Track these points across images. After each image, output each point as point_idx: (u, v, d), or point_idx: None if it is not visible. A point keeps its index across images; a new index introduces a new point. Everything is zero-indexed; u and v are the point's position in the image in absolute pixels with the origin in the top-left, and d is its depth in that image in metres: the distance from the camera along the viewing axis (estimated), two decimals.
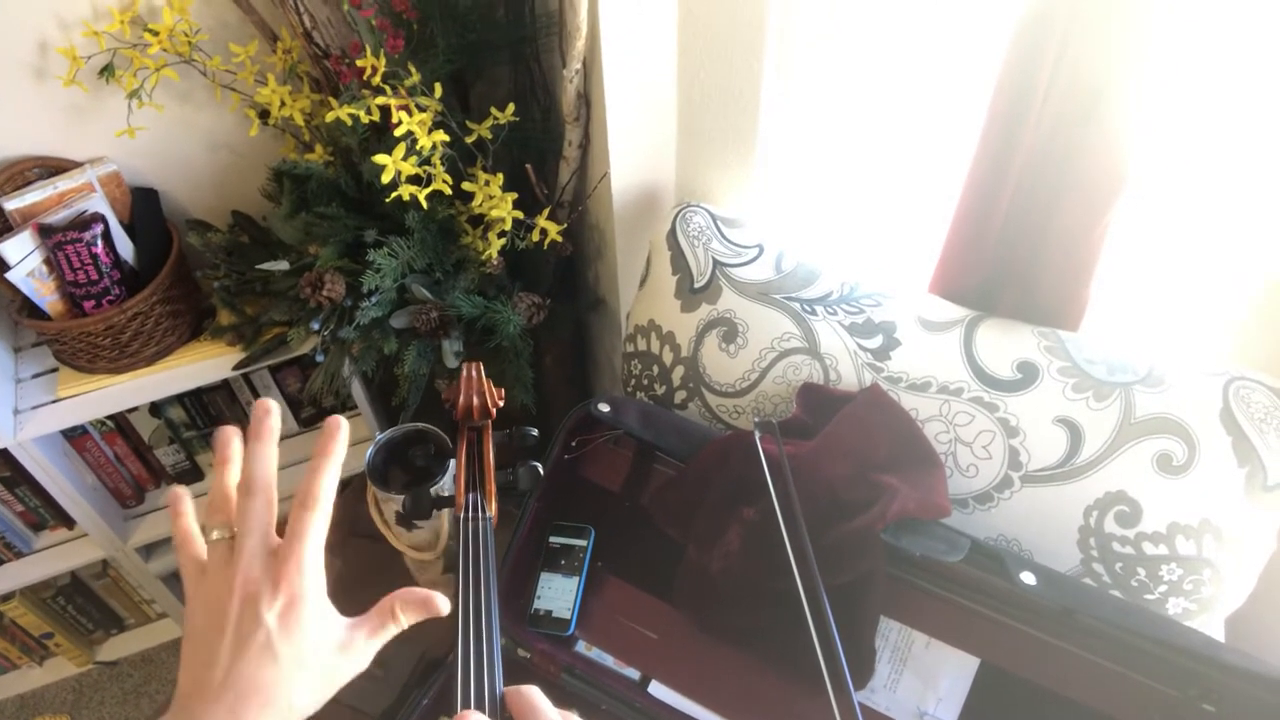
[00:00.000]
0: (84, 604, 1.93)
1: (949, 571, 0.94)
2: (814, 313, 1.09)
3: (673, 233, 1.19)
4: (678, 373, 1.18)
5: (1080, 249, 0.98)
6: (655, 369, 1.21)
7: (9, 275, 1.37)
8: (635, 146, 1.27)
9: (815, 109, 1.19)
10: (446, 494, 0.80)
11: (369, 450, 1.15)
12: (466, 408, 0.81)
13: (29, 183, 1.43)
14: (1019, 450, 0.98)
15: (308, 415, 1.86)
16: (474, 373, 0.82)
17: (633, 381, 1.26)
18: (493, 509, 0.74)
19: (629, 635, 1.04)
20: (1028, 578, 0.90)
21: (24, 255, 1.38)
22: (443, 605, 0.59)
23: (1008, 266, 1.05)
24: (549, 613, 1.06)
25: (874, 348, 1.06)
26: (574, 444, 1.13)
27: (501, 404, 0.82)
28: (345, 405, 1.86)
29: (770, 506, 0.94)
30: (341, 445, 0.59)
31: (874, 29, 1.09)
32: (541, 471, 0.79)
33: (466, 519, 0.72)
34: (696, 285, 1.16)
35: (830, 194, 1.27)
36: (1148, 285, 1.07)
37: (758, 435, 1.00)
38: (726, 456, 1.03)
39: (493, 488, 0.75)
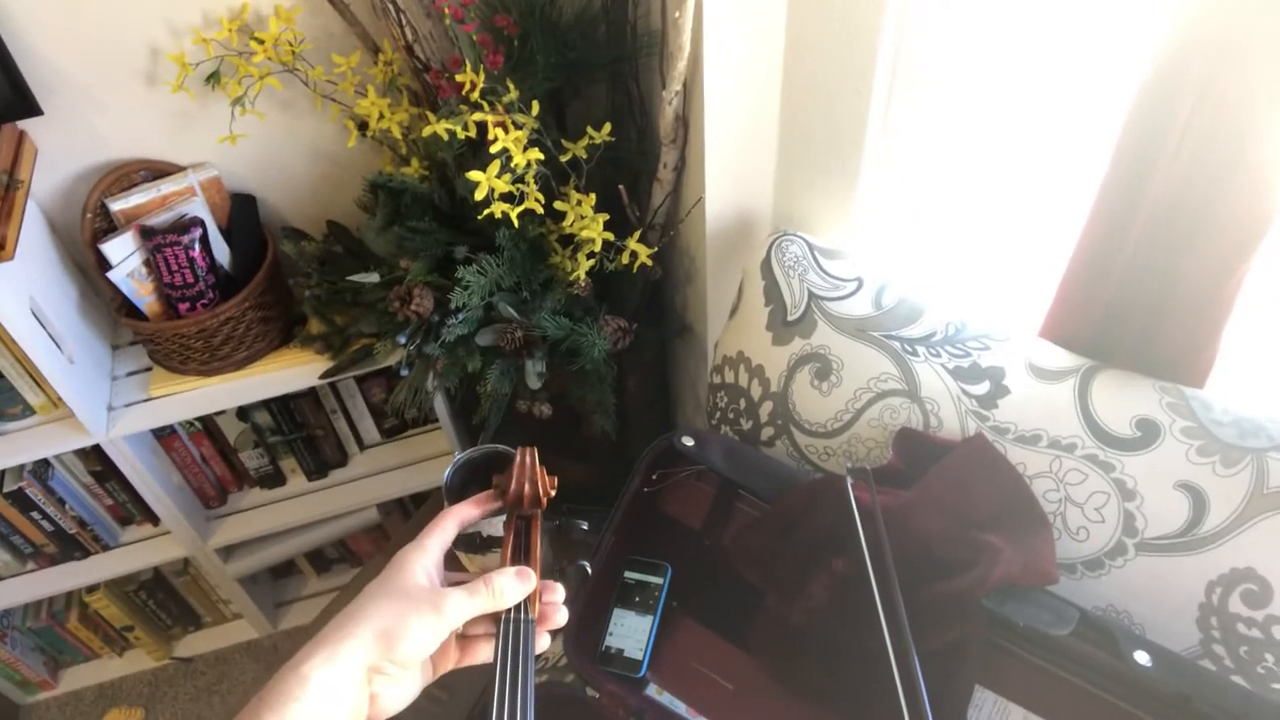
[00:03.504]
0: (164, 599, 1.96)
1: (1053, 643, 0.87)
2: (915, 353, 1.03)
3: (767, 261, 1.15)
4: (766, 408, 1.14)
5: (1212, 298, 0.90)
6: (742, 403, 1.17)
7: (110, 275, 1.40)
8: (732, 171, 1.23)
9: (924, 137, 1.13)
10: (498, 534, 0.76)
11: (447, 470, 1.12)
12: (517, 496, 0.74)
13: (134, 185, 1.47)
14: (1135, 515, 0.91)
15: (390, 426, 1.86)
16: (529, 458, 0.76)
17: (718, 414, 1.21)
18: (536, 610, 0.68)
19: (703, 683, 0.99)
20: (1142, 657, 0.82)
21: (125, 256, 1.41)
22: (531, 581, 0.68)
23: (1129, 313, 0.97)
24: (620, 651, 1.02)
25: (980, 394, 0.99)
26: (654, 477, 1.10)
27: (553, 493, 0.76)
28: (427, 419, 1.87)
29: (860, 559, 0.89)
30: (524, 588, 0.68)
31: (992, 58, 1.03)
32: (590, 571, 0.74)
33: (508, 619, 0.67)
34: (790, 318, 1.11)
35: (937, 227, 1.21)
36: None
37: (849, 481, 0.95)
38: (815, 501, 0.97)
39: (539, 588, 0.70)
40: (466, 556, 1.13)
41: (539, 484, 0.74)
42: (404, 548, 0.68)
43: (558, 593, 0.71)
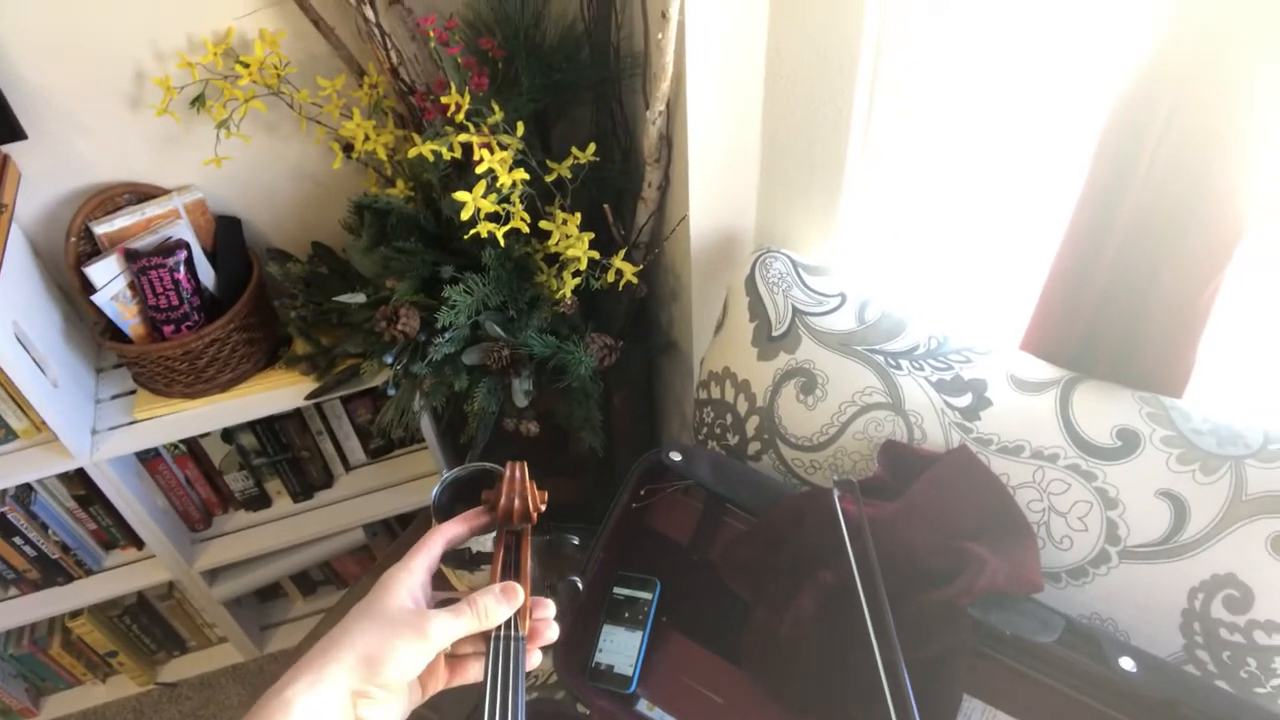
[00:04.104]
0: (148, 624, 1.94)
1: (1039, 651, 0.88)
2: (899, 367, 1.04)
3: (751, 278, 1.16)
4: (752, 423, 1.15)
5: (1188, 310, 0.92)
6: (729, 418, 1.18)
7: (95, 298, 1.40)
8: (716, 190, 1.24)
9: (905, 154, 1.15)
10: (487, 550, 0.76)
11: (435, 488, 1.13)
12: (506, 510, 0.73)
13: (119, 208, 1.47)
14: (1117, 523, 0.92)
15: (376, 446, 1.86)
16: (518, 473, 0.75)
17: (704, 430, 1.22)
18: (526, 628, 0.68)
19: (693, 697, 1.00)
20: (1127, 663, 0.83)
21: (110, 279, 1.41)
22: (518, 598, 0.67)
23: (1108, 326, 0.99)
24: (610, 667, 1.02)
25: (963, 406, 1.00)
26: (642, 492, 1.10)
27: (544, 508, 0.75)
28: (413, 439, 1.86)
29: (848, 570, 0.90)
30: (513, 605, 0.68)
31: (970, 77, 1.05)
32: (581, 587, 0.74)
33: (497, 636, 0.66)
34: (775, 333, 1.13)
35: (918, 244, 1.22)
36: (1261, 350, 1.00)
37: (836, 494, 0.96)
38: (802, 515, 0.98)
39: (529, 604, 0.69)
40: (454, 574, 1.14)
41: (528, 499, 0.74)
42: (390, 569, 0.68)
43: (548, 609, 0.71)
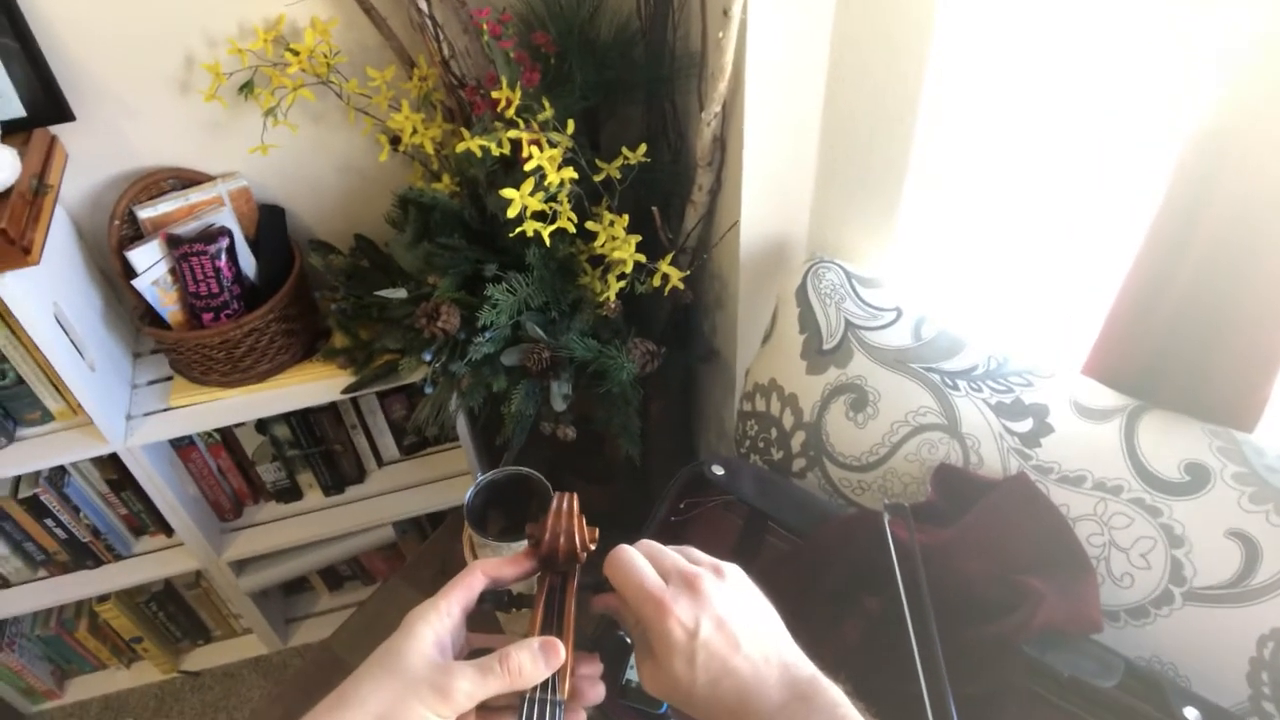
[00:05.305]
0: (174, 612, 1.94)
1: (1097, 695, 0.83)
2: (956, 387, 1.00)
3: (803, 288, 1.12)
4: (798, 438, 1.11)
5: (1265, 340, 0.87)
6: (773, 432, 1.14)
7: (135, 282, 1.39)
8: (769, 196, 1.21)
9: (968, 168, 1.11)
10: (528, 592, 0.69)
11: (469, 491, 1.10)
12: (551, 549, 0.64)
13: (163, 193, 1.46)
14: (1183, 563, 0.87)
15: (410, 443, 1.84)
16: (566, 505, 0.66)
17: (747, 443, 1.19)
18: (566, 689, 0.59)
19: None
20: (1191, 714, 0.79)
21: (151, 263, 1.40)
22: (559, 657, 0.59)
23: (1178, 353, 0.94)
24: (642, 685, 0.98)
25: (1023, 432, 0.96)
26: (682, 505, 1.07)
27: (594, 547, 0.66)
28: (448, 438, 1.84)
29: (896, 599, 0.86)
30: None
31: (1042, 92, 1.00)
32: (629, 643, 0.65)
33: (532, 699, 0.58)
34: (825, 346, 1.09)
35: (979, 259, 1.18)
36: None
37: (886, 517, 0.92)
38: (850, 538, 0.94)
39: (571, 661, 0.60)
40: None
41: (576, 535, 0.65)
42: (418, 606, 0.60)
43: (593, 665, 0.64)
